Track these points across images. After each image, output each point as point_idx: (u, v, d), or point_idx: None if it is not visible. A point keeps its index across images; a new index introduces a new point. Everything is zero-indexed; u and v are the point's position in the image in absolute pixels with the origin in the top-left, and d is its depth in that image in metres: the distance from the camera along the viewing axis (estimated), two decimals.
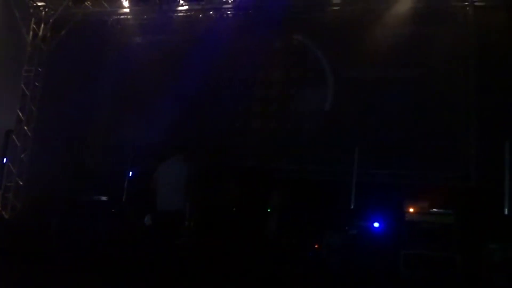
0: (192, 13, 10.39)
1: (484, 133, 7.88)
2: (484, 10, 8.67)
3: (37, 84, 10.53)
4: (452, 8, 8.94)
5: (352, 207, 7.01)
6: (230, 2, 10.09)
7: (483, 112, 8.06)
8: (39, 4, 10.59)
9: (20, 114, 10.31)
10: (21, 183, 10.02)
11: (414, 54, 8.72)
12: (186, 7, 10.40)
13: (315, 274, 6.75)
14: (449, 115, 8.26)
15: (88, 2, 10.39)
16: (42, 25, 10.66)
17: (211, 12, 10.27)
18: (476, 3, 8.80)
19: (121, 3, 10.50)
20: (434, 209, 6.73)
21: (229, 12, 10.30)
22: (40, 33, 10.63)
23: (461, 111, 8.32)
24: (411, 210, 6.72)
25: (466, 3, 8.87)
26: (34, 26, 10.65)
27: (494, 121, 7.76)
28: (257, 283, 5.94)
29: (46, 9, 10.64)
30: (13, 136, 9.89)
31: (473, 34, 8.59)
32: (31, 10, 10.59)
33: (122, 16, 10.78)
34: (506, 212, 6.38)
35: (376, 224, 6.69)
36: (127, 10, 10.68)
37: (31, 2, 10.52)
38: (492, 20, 8.48)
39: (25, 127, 10.24)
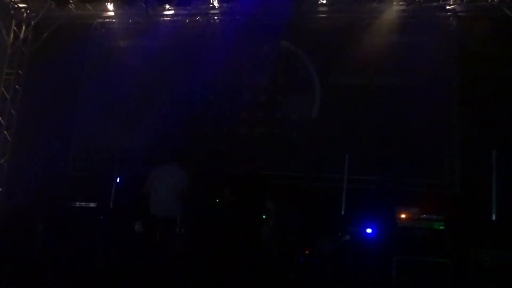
0: (178, 18, 10.31)
1: (470, 141, 8.05)
2: (468, 20, 8.89)
3: (17, 87, 10.27)
4: (436, 18, 9.14)
5: (342, 213, 7.02)
6: (217, 7, 10.07)
7: (468, 119, 8.24)
8: (21, 5, 10.34)
9: (0, 118, 10.03)
10: (0, 189, 9.73)
11: (399, 63, 8.87)
12: (172, 12, 10.32)
13: (306, 280, 6.74)
14: (435, 122, 8.42)
15: (72, 5, 10.20)
16: (24, 27, 10.42)
17: (197, 18, 10.22)
18: (460, 13, 9.02)
19: (105, 6, 10.34)
20: (425, 215, 6.83)
21: (216, 18, 10.28)
22: (21, 35, 10.39)
23: (447, 118, 8.49)
24: (403, 216, 6.80)
25: (449, 14, 9.09)
26: (15, 28, 10.40)
27: (479, 129, 7.94)
28: None
29: (28, 11, 10.40)
30: None
31: (456, 44, 8.80)
32: (12, 12, 10.34)
33: (106, 20, 10.62)
34: (493, 218, 6.51)
35: (368, 230, 6.74)
36: (112, 13, 10.53)
37: (12, 3, 10.26)
38: (475, 30, 8.71)
39: (5, 132, 9.97)
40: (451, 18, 9.06)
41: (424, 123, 8.34)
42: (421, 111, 8.38)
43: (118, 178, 7.88)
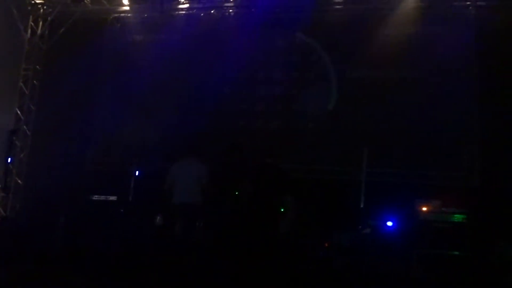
0: (193, 11, 10.31)
1: (490, 133, 7.93)
2: (487, 10, 8.73)
3: (35, 82, 10.37)
4: (454, 8, 8.98)
5: (362, 206, 6.98)
6: (231, 0, 10.04)
7: (488, 111, 8.11)
8: (38, 1, 10.42)
9: (19, 113, 10.15)
10: (20, 183, 9.87)
11: (417, 55, 8.75)
12: (187, 5, 10.31)
13: (325, 273, 6.73)
14: (455, 114, 8.30)
15: (87, 0, 10.25)
16: (41, 23, 10.50)
17: (212, 11, 10.19)
18: (479, 3, 8.86)
19: (120, 1, 10.38)
20: (446, 208, 6.75)
21: (230, 11, 10.26)
22: (39, 31, 10.47)
23: (466, 110, 8.36)
24: (423, 209, 6.73)
25: (468, 3, 8.93)
26: (32, 24, 10.48)
27: (499, 120, 7.82)
28: (264, 283, 5.89)
29: (45, 7, 10.48)
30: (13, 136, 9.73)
31: (476, 35, 8.64)
32: (29, 8, 10.41)
33: (122, 15, 10.65)
34: None
35: (389, 223, 6.69)
36: (127, 8, 10.56)
37: None
38: (495, 20, 8.54)
39: (24, 126, 10.09)
40: (470, 8, 8.89)
41: (443, 115, 8.23)
42: (440, 104, 8.27)
43: (137, 172, 7.93)
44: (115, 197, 7.72)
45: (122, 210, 7.47)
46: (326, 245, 6.96)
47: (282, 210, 5.87)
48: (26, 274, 5.78)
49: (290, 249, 6.68)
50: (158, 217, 6.12)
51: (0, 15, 9.93)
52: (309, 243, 6.92)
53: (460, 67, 8.61)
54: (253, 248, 5.87)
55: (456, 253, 6.27)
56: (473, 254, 6.24)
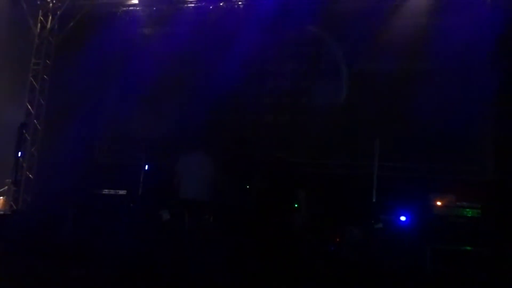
0: (202, 4, 10.22)
1: (505, 126, 7.74)
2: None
3: (45, 77, 10.39)
4: None
5: (374, 200, 6.86)
6: None
7: (503, 103, 7.92)
8: None
9: (30, 107, 10.17)
10: (30, 177, 9.91)
11: (430, 47, 8.55)
12: None
13: (335, 269, 6.64)
14: (469, 107, 8.11)
15: None
16: (50, 18, 10.50)
17: (221, 4, 10.10)
18: None
19: None
20: (461, 203, 6.61)
21: (240, 3, 10.15)
22: (48, 25, 10.47)
23: (481, 103, 8.17)
24: (438, 203, 6.59)
25: None
26: (42, 19, 10.48)
27: None
28: (274, 278, 5.82)
29: (54, 1, 10.47)
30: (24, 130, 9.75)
31: (491, 25, 8.42)
32: (39, 3, 10.41)
33: (131, 8, 10.60)
34: None
35: (402, 218, 6.57)
36: (136, 1, 10.51)
37: None
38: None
39: (35, 121, 10.12)
40: None
41: (457, 107, 8.05)
42: (454, 96, 8.09)
43: (146, 166, 7.90)
44: (125, 191, 7.69)
45: (131, 205, 7.44)
46: (337, 240, 6.85)
47: (296, 205, 5.80)
48: (36, 268, 5.78)
49: (301, 244, 6.60)
50: (164, 212, 6.04)
51: (10, 10, 9.94)
52: (320, 238, 6.82)
53: (475, 58, 8.41)
54: (265, 243, 5.81)
55: (471, 248, 6.12)
56: (488, 249, 6.10)
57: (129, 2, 10.53)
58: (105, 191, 7.89)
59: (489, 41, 8.27)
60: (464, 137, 8.14)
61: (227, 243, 6.11)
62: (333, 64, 9.37)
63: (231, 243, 6.09)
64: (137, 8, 10.55)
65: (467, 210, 6.47)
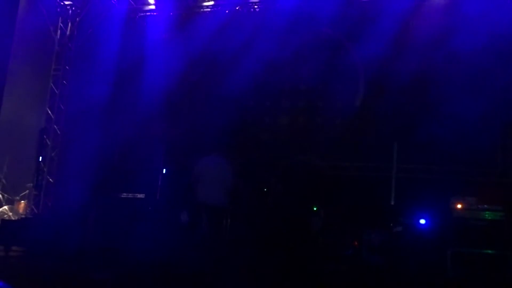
0: (219, 8, 10.29)
1: None
2: None
3: (65, 82, 10.57)
4: None
5: (392, 203, 6.80)
6: None
7: None
8: (66, 3, 10.61)
9: (50, 112, 10.36)
10: (51, 181, 10.07)
11: (449, 48, 8.42)
12: (212, 2, 10.31)
13: (353, 272, 6.60)
14: (489, 107, 7.97)
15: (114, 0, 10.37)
16: (69, 24, 10.69)
17: (237, 7, 10.15)
18: None
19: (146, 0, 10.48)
20: (482, 205, 6.49)
21: (256, 7, 10.19)
22: (68, 32, 10.66)
23: (500, 104, 8.03)
24: (458, 206, 6.49)
25: None
26: (62, 25, 10.67)
27: None
28: (292, 281, 5.82)
29: (73, 8, 10.66)
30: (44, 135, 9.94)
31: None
32: (58, 10, 10.61)
33: (148, 13, 10.74)
34: None
35: (422, 221, 6.49)
36: (153, 7, 10.64)
37: (58, 0, 10.54)
38: None
39: (55, 126, 10.29)
40: None
41: (478, 108, 7.91)
42: (475, 97, 7.96)
43: (164, 170, 7.97)
44: (143, 194, 7.77)
45: (150, 208, 7.51)
46: (356, 243, 6.80)
47: (315, 208, 5.79)
48: (57, 271, 5.86)
49: (319, 247, 6.58)
50: (182, 214, 6.07)
51: (31, 17, 10.15)
52: (338, 241, 6.78)
53: (494, 59, 8.25)
54: (283, 246, 5.80)
55: (494, 252, 6.01)
56: (510, 252, 5.98)
57: (146, 8, 10.65)
58: (124, 195, 7.98)
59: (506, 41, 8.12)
60: (484, 139, 8.00)
61: (244, 247, 6.12)
62: (350, 66, 9.31)
63: (248, 248, 6.10)
64: (154, 14, 10.67)
65: (488, 212, 6.36)
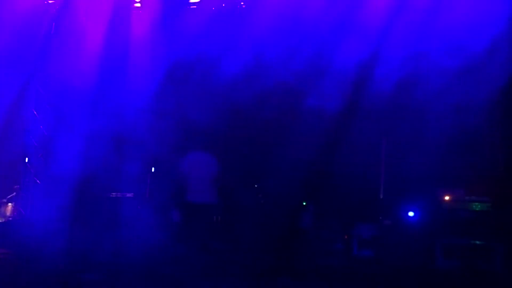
0: (205, 5, 10.24)
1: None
2: None
3: (49, 81, 10.40)
4: None
5: (381, 197, 6.85)
6: None
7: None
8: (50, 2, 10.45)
9: (35, 112, 10.21)
10: (38, 182, 9.93)
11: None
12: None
13: (345, 266, 6.64)
14: (478, 101, 8.04)
15: None
16: (53, 21, 10.51)
17: (223, 4, 10.11)
18: None
19: None
20: (470, 197, 6.58)
21: (242, 3, 10.16)
22: (52, 30, 10.49)
23: (490, 96, 8.10)
24: (446, 198, 6.57)
25: None
26: (43, 21, 10.48)
27: None
28: (284, 275, 5.84)
29: (56, 5, 10.48)
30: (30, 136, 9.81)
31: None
32: (41, 6, 10.42)
33: (134, 10, 10.63)
34: None
35: (410, 214, 6.55)
36: (139, 5, 10.55)
37: None
38: None
39: (41, 126, 10.14)
40: None
41: (465, 102, 7.99)
42: (461, 91, 8.04)
43: (153, 168, 7.91)
44: (132, 193, 7.72)
45: (139, 207, 7.46)
46: (346, 237, 6.85)
47: (304, 203, 5.81)
48: (46, 273, 5.80)
49: (309, 242, 6.60)
50: (173, 213, 6.05)
51: (13, 14, 9.96)
52: (328, 235, 6.82)
53: (485, 54, 8.26)
54: (273, 242, 5.82)
55: (482, 242, 6.10)
56: (497, 242, 6.07)
57: (132, 4, 10.55)
58: (113, 194, 7.91)
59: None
60: (472, 131, 8.08)
61: (235, 243, 6.12)
62: (337, 64, 9.32)
63: (239, 244, 6.10)
64: (140, 12, 10.57)
65: (476, 204, 6.45)
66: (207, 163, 6.03)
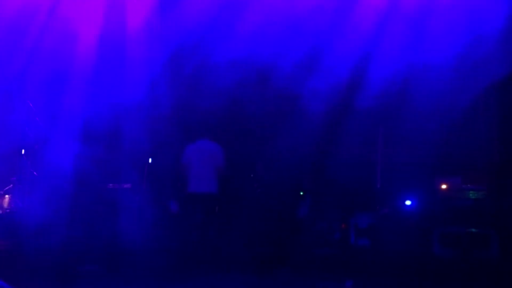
0: None
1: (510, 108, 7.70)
2: None
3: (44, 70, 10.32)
4: None
5: (378, 186, 6.86)
6: None
7: (507, 86, 7.86)
8: None
9: (31, 104, 10.14)
10: (35, 174, 9.89)
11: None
12: None
13: (342, 255, 6.68)
14: (474, 90, 8.04)
15: None
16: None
17: None
18: None
19: None
20: (466, 185, 6.61)
21: None
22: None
23: (484, 87, 8.10)
24: (443, 187, 6.59)
25: None
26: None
27: None
28: (282, 265, 5.87)
29: None
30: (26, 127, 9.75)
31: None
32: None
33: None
34: None
35: (407, 202, 6.58)
36: None
37: None
38: None
39: (37, 118, 10.08)
40: None
41: (461, 92, 7.98)
42: (457, 81, 8.02)
43: (150, 159, 7.90)
44: (129, 184, 7.71)
45: (137, 198, 7.45)
46: (343, 226, 6.87)
47: (301, 193, 5.82)
48: (44, 264, 5.81)
49: (306, 232, 6.63)
50: (172, 204, 6.05)
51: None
52: (326, 225, 6.84)
53: (480, 48, 8.22)
54: (271, 232, 5.83)
55: (478, 230, 6.13)
56: (494, 230, 6.11)
57: None
58: (110, 185, 7.90)
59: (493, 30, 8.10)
60: (467, 120, 8.08)
61: (234, 233, 6.14)
62: (337, 55, 9.27)
63: (238, 234, 6.12)
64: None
65: (473, 192, 6.48)
66: (207, 150, 6.02)
